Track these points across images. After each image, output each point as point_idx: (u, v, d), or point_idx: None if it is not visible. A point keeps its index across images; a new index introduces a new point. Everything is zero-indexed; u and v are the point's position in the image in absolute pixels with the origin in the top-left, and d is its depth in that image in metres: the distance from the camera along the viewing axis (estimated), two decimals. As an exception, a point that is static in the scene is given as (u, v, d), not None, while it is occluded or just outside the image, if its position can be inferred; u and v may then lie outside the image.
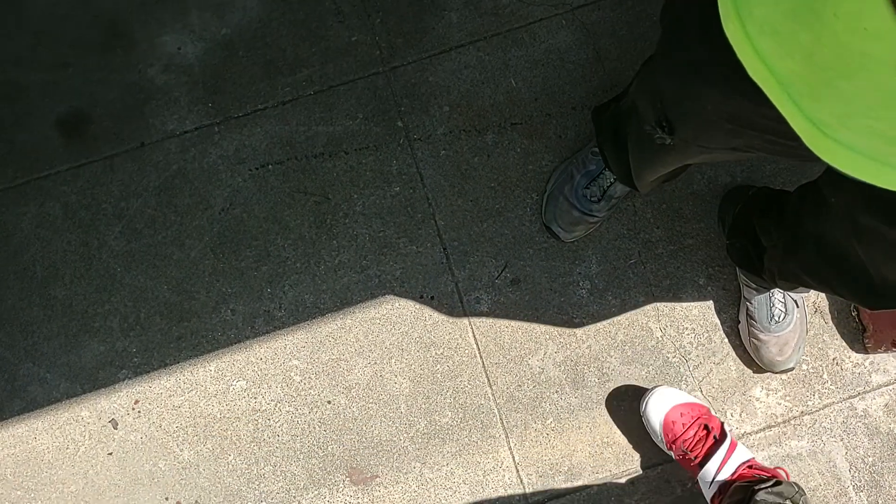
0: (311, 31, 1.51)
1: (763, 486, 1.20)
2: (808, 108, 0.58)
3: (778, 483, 1.22)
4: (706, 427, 1.31)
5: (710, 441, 1.30)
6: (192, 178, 1.48)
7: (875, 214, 0.79)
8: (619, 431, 1.42)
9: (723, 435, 1.31)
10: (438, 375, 1.44)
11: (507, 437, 1.42)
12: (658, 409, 1.34)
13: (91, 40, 1.51)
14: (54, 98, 1.50)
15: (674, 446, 1.32)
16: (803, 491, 1.23)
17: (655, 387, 1.37)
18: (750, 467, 1.27)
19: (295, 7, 1.51)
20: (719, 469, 1.26)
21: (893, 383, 1.43)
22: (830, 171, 0.61)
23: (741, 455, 1.29)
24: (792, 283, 1.20)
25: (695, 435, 1.30)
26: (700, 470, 1.29)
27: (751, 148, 0.82)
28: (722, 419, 1.42)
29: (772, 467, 1.30)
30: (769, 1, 0.55)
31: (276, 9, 1.51)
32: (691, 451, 1.30)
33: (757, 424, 1.42)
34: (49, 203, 1.48)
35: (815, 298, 1.45)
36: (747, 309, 1.38)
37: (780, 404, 1.43)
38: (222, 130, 1.49)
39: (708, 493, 1.28)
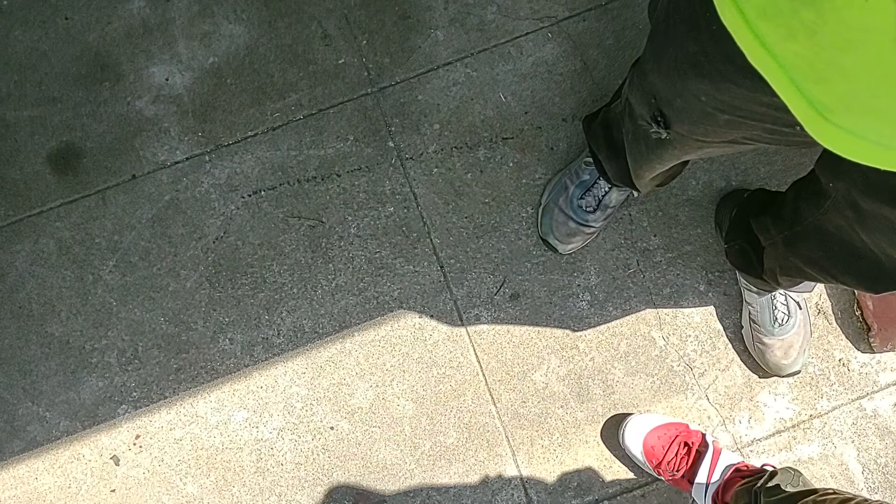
0: (299, 56, 1.50)
1: (763, 483, 1.20)
2: (812, 91, 0.57)
3: (774, 474, 1.21)
4: (686, 443, 1.31)
5: (693, 455, 1.30)
6: (184, 208, 1.47)
7: (877, 198, 0.78)
8: (626, 444, 1.40)
9: (704, 446, 1.30)
10: (441, 395, 1.42)
11: (513, 454, 1.40)
12: (635, 438, 1.34)
13: (78, 74, 1.50)
14: (43, 134, 1.49)
15: (660, 469, 1.32)
16: (799, 472, 1.23)
17: (628, 417, 1.36)
18: (738, 470, 1.26)
19: (281, 32, 1.51)
20: (708, 479, 1.27)
21: (902, 382, 1.41)
22: (828, 160, 0.60)
23: (727, 460, 1.29)
24: (794, 278, 1.18)
25: (676, 454, 1.30)
26: (692, 486, 1.28)
27: (749, 139, 0.81)
28: (730, 426, 1.40)
29: (758, 466, 1.29)
30: None
31: (263, 35, 1.51)
32: (677, 470, 1.30)
33: (766, 430, 1.40)
34: (43, 240, 1.47)
35: (818, 300, 1.44)
36: (749, 313, 1.37)
37: (788, 408, 1.41)
38: (213, 159, 1.49)
39: None
